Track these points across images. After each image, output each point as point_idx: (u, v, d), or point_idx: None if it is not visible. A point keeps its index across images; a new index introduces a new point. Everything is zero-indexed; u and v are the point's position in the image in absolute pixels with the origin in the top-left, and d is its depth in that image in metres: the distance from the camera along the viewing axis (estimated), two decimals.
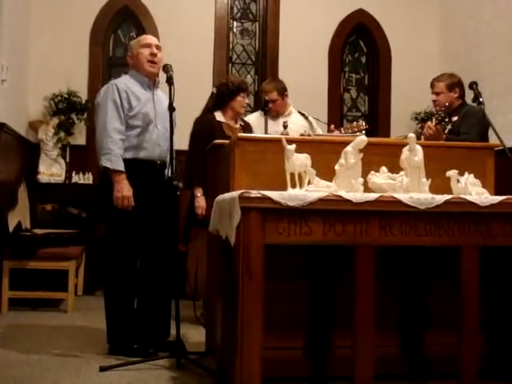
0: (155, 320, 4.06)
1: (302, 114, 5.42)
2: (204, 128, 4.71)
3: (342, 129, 5.06)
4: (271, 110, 5.12)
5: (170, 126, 3.78)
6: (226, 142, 3.58)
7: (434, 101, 4.82)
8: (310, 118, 5.40)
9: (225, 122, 4.80)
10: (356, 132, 4.52)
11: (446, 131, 4.53)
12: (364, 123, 4.77)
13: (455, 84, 4.79)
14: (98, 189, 4.13)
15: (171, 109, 3.76)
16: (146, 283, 4.06)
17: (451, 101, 4.74)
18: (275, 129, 4.93)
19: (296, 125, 5.19)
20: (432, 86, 4.87)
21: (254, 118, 5.30)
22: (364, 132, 4.53)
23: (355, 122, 5.05)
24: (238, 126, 4.90)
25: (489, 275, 3.20)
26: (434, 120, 4.55)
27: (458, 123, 4.62)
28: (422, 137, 4.60)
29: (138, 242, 4.00)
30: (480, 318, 2.88)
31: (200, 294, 4.95)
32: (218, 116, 4.83)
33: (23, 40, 6.19)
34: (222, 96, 4.87)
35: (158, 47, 4.10)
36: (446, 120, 4.52)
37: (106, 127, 3.89)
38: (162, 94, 4.15)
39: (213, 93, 4.97)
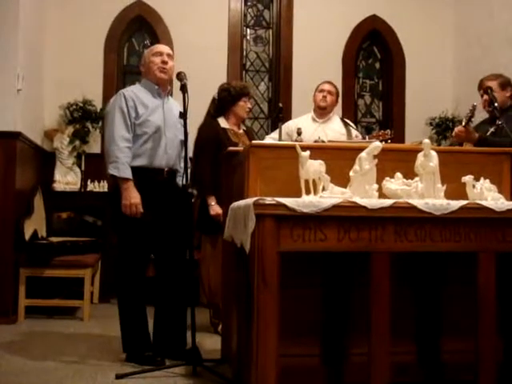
0: (172, 328, 4.07)
1: (344, 121, 5.45)
2: (211, 136, 4.69)
3: (367, 137, 5.07)
4: (325, 103, 5.39)
5: (184, 135, 3.80)
6: (240, 149, 3.58)
7: (486, 100, 4.62)
8: (351, 126, 5.42)
9: (229, 129, 4.80)
10: (382, 141, 4.49)
11: (488, 133, 4.46)
12: (390, 132, 4.75)
13: (507, 83, 4.70)
14: (109, 197, 4.15)
15: (185, 117, 3.78)
16: (162, 291, 4.07)
17: (504, 100, 4.63)
18: (316, 134, 4.99)
19: (334, 131, 5.26)
20: (482, 86, 4.71)
21: (304, 122, 5.36)
22: (390, 141, 4.52)
23: (381, 131, 5.06)
24: (241, 131, 4.91)
25: (505, 281, 3.18)
26: (463, 121, 4.49)
27: (501, 126, 4.39)
28: (454, 138, 4.57)
29: (148, 249, 4.01)
30: (496, 324, 2.86)
31: (211, 303, 4.93)
32: (222, 122, 4.82)
33: (39, 49, 6.23)
34: (224, 101, 4.86)
35: (169, 56, 4.12)
36: (473, 120, 4.45)
37: (113, 135, 3.92)
38: (173, 102, 4.17)
39: (214, 98, 4.96)
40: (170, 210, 3.99)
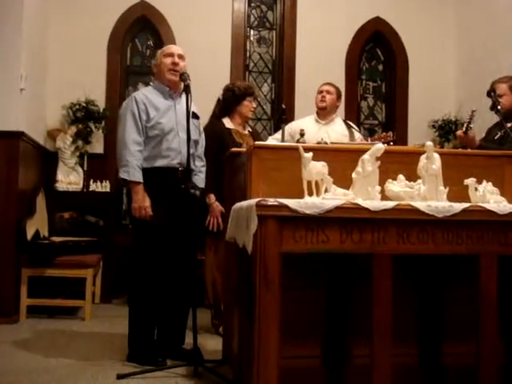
0: (172, 328, 4.08)
1: (346, 124, 5.45)
2: (214, 136, 4.67)
3: (369, 139, 5.06)
4: (323, 103, 5.40)
5: (187, 134, 3.80)
6: (243, 150, 3.58)
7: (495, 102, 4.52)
8: (354, 128, 5.42)
9: (234, 129, 4.81)
10: (384, 143, 4.47)
11: (496, 137, 4.45)
12: (392, 134, 4.74)
13: None
14: (127, 199, 4.17)
15: (188, 118, 3.79)
16: (166, 292, 4.07)
17: None
18: (318, 135, 4.99)
19: (337, 133, 5.26)
20: (491, 88, 4.62)
21: (307, 123, 5.35)
22: (392, 143, 4.52)
23: (383, 133, 5.05)
24: (246, 132, 4.91)
25: (506, 283, 3.17)
26: (464, 126, 4.48)
27: (508, 131, 4.37)
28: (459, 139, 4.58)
29: (164, 250, 4.00)
30: (498, 327, 2.85)
31: (213, 305, 4.93)
32: (227, 123, 4.83)
33: (42, 49, 6.24)
34: (229, 102, 4.87)
35: (180, 56, 4.12)
36: (471, 126, 4.44)
37: (125, 139, 3.95)
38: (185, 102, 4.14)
39: (219, 99, 4.97)
40: (182, 210, 3.97)
